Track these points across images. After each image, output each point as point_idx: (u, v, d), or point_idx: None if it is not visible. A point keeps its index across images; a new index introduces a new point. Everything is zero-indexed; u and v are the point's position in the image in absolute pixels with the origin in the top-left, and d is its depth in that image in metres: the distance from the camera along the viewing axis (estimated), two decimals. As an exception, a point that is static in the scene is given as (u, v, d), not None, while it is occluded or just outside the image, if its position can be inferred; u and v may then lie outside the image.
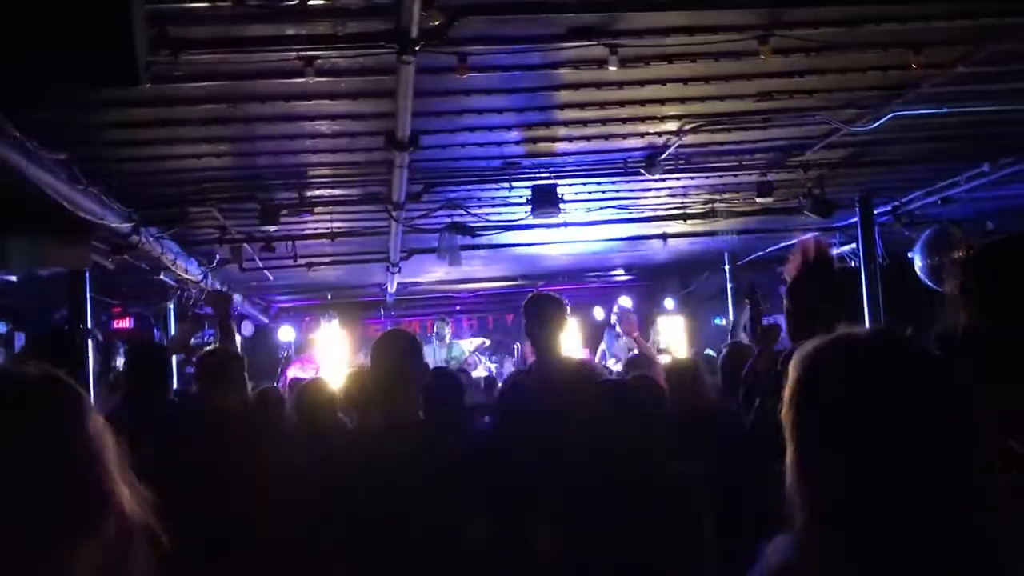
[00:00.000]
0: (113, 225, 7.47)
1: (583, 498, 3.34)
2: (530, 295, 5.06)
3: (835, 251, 10.89)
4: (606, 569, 3.22)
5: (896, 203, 10.00)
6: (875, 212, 10.07)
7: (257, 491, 3.85)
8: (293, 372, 13.09)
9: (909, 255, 9.96)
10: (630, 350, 9.32)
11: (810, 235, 6.66)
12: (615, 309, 13.54)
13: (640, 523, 3.23)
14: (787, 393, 1.51)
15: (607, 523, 3.24)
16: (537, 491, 3.50)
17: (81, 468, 1.32)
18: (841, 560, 1.36)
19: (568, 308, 4.86)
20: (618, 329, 12.66)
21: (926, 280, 9.64)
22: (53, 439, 1.31)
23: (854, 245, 10.48)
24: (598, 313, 15.45)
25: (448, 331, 15.18)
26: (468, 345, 16.10)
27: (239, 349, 6.07)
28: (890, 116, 6.67)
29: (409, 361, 3.70)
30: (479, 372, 14.55)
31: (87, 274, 9.05)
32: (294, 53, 4.90)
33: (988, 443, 1.41)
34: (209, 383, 4.66)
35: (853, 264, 10.53)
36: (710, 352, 11.38)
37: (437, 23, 4.64)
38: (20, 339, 12.94)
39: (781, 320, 5.58)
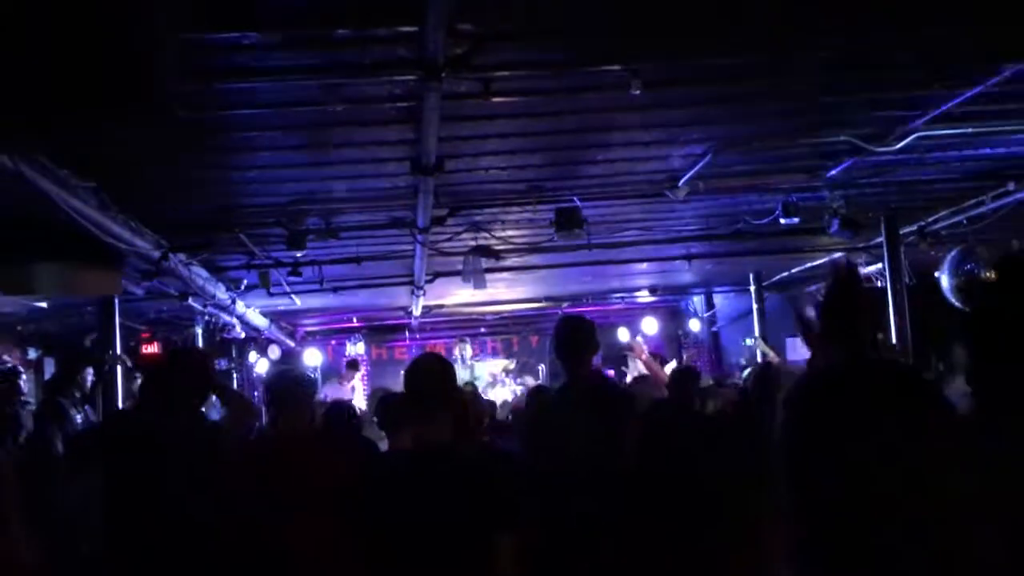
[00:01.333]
0: (143, 251, 7.55)
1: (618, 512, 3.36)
2: (559, 317, 5.13)
3: (862, 271, 10.84)
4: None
5: (922, 223, 9.95)
6: (901, 232, 10.03)
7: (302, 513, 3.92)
8: (330, 391, 13.14)
9: (936, 275, 9.91)
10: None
11: (841, 255, 6.65)
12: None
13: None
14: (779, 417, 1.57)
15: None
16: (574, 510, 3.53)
17: None
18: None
19: (596, 330, 4.92)
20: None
21: (952, 300, 9.59)
22: None
23: (880, 265, 10.43)
24: (622, 334, 15.46)
25: (468, 352, 15.22)
26: (494, 367, 16.13)
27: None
28: (915, 136, 6.65)
29: (442, 384, 3.73)
30: (503, 393, 14.58)
31: (116, 300, 9.16)
32: (320, 81, 4.96)
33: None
34: (278, 407, 4.67)
35: (879, 284, 10.48)
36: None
37: (462, 50, 4.68)
38: (50, 364, 13.09)
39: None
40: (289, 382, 4.80)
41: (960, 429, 1.54)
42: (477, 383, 13.84)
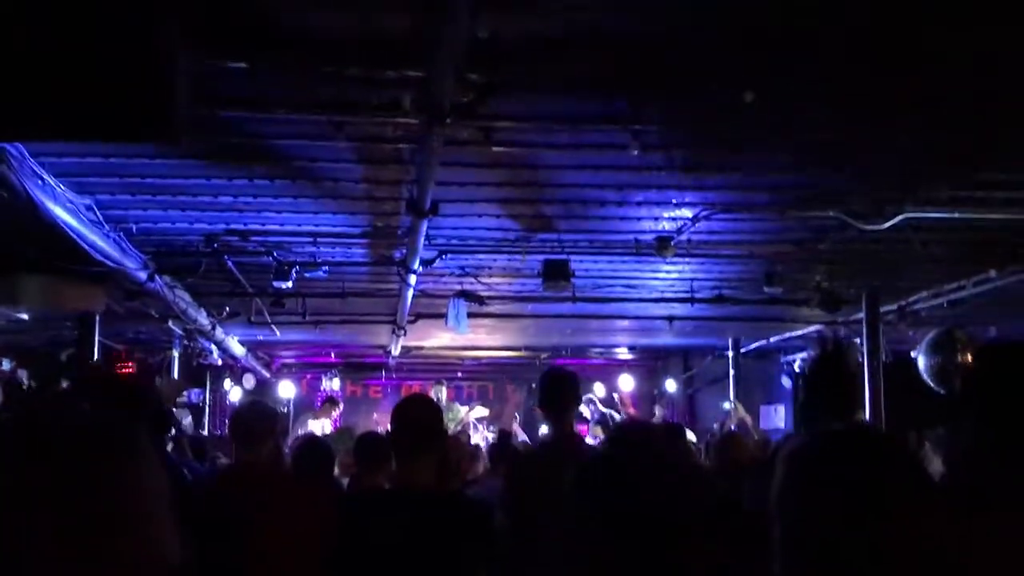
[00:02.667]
0: (130, 272, 7.55)
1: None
2: (545, 369, 5.15)
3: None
4: None
5: (903, 302, 10.07)
6: (881, 310, 10.14)
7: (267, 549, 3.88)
8: (312, 426, 13.05)
9: (913, 354, 10.00)
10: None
11: (825, 328, 6.69)
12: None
13: None
14: (773, 487, 1.58)
15: None
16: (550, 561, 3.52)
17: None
18: None
19: (580, 383, 4.96)
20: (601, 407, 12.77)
21: (928, 380, 9.68)
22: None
23: (858, 341, 10.53)
24: (599, 390, 15.48)
25: (444, 394, 15.19)
26: (464, 411, 16.06)
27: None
28: (902, 217, 6.77)
29: (430, 426, 3.73)
30: (475, 440, 14.51)
31: (98, 317, 9.13)
32: (326, 117, 5.02)
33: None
34: (241, 438, 4.57)
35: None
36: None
37: (468, 98, 4.74)
38: (23, 377, 12.97)
39: (780, 407, 5.63)
40: (252, 414, 4.68)
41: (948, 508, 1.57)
42: (451, 425, 13.79)
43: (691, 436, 11.43)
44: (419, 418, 3.71)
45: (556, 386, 4.86)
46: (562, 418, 4.76)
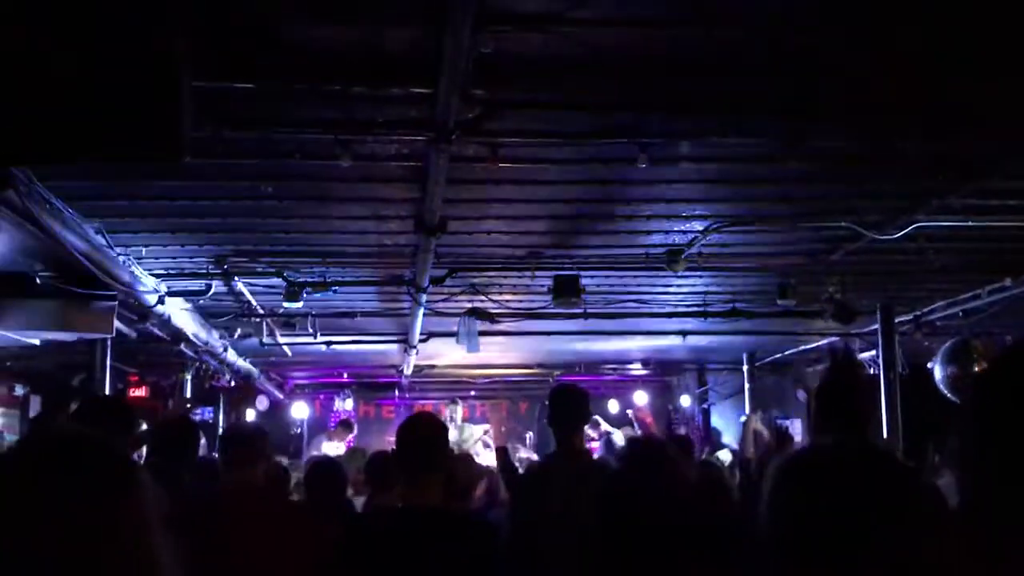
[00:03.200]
0: (140, 295, 7.54)
1: None
2: (554, 386, 5.13)
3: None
4: None
5: (918, 312, 10.00)
6: (896, 320, 10.07)
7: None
8: (326, 448, 13.01)
9: (929, 365, 9.92)
10: None
11: (839, 340, 6.61)
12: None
13: None
14: (762, 501, 1.54)
15: None
16: None
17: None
18: None
19: (589, 399, 4.93)
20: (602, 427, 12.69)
21: (945, 391, 9.59)
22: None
23: (874, 352, 10.44)
24: (613, 407, 15.42)
25: (460, 413, 15.12)
26: (478, 430, 16.00)
27: None
28: (915, 226, 6.71)
29: (434, 445, 3.70)
30: (489, 458, 14.44)
31: (109, 342, 9.12)
32: (331, 135, 5.00)
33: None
34: (232, 458, 4.55)
35: (872, 371, 10.48)
36: (726, 457, 11.24)
37: (473, 115, 4.72)
38: (35, 402, 12.99)
39: (796, 422, 5.56)
40: (237, 437, 4.68)
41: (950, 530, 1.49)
42: (465, 445, 13.72)
43: (725, 455, 11.36)
44: (423, 437, 3.68)
45: (564, 403, 4.85)
46: (571, 435, 4.73)
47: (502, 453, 7.42)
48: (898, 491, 1.48)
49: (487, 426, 16.87)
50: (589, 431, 13.55)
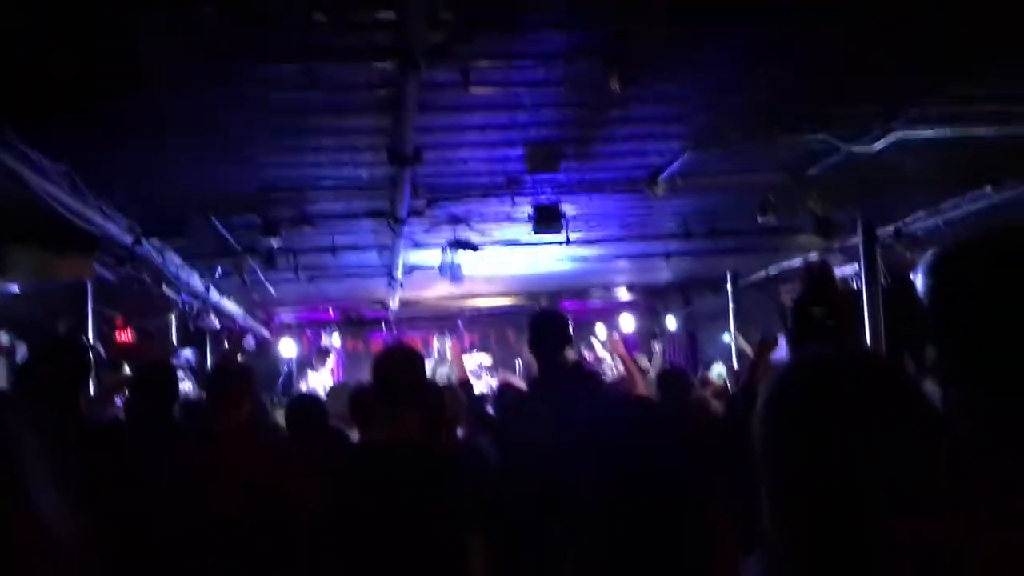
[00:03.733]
0: (116, 237, 7.47)
1: (603, 506, 3.34)
2: (533, 312, 5.12)
3: (837, 271, 10.86)
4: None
5: (899, 224, 9.99)
6: (877, 233, 10.06)
7: (249, 503, 3.85)
8: (313, 379, 13.06)
9: (911, 276, 9.93)
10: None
11: (814, 257, 6.61)
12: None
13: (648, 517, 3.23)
14: (756, 413, 1.47)
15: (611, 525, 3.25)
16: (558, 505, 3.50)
17: None
18: None
19: (569, 324, 4.92)
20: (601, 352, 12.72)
21: (927, 302, 9.61)
22: None
23: (856, 266, 10.46)
24: (599, 330, 15.47)
25: (448, 346, 15.15)
26: (470, 362, 16.05)
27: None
28: (894, 137, 6.66)
29: (409, 376, 3.68)
30: (479, 387, 14.52)
31: (89, 286, 9.06)
32: (299, 66, 4.91)
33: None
34: (218, 398, 4.53)
35: (855, 285, 10.51)
36: (720, 370, 11.29)
37: (442, 39, 4.64)
38: (22, 350, 12.94)
39: (781, 339, 5.57)
40: (223, 377, 4.67)
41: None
42: (453, 377, 13.76)
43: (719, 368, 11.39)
44: (397, 374, 3.65)
45: (544, 328, 4.84)
46: (552, 358, 4.73)
47: (504, 387, 7.42)
48: (908, 405, 1.41)
49: (485, 357, 16.95)
50: (586, 355, 13.66)
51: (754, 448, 1.45)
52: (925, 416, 1.39)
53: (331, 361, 13.76)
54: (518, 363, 16.79)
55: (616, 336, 8.41)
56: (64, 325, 11.28)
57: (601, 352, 13.58)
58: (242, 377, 4.65)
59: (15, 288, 9.45)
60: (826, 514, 1.32)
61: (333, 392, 8.93)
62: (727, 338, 13.54)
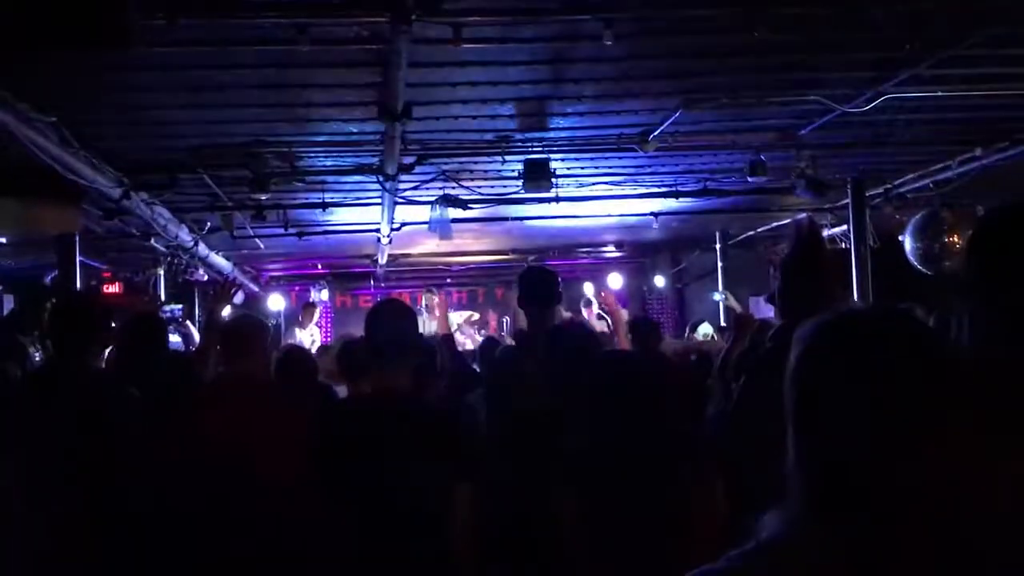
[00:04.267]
0: (104, 189, 7.44)
1: (595, 459, 3.37)
2: (524, 268, 5.13)
3: (826, 232, 10.89)
4: (619, 523, 3.25)
5: (888, 185, 10.01)
6: (867, 194, 10.08)
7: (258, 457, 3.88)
8: (300, 336, 13.08)
9: (900, 238, 9.97)
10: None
11: (803, 215, 6.61)
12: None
13: (643, 469, 3.26)
14: (788, 370, 1.46)
15: (617, 478, 3.28)
16: (552, 457, 3.53)
17: None
18: (828, 540, 1.34)
19: (559, 280, 4.93)
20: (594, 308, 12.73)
21: (916, 263, 9.67)
22: None
23: (845, 227, 10.49)
24: (588, 289, 15.50)
25: (436, 301, 15.15)
26: (457, 317, 16.07)
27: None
28: (885, 97, 6.66)
29: (403, 330, 3.70)
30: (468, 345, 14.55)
31: (77, 238, 9.04)
32: (288, 20, 4.86)
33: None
34: (232, 350, 4.54)
35: (844, 246, 10.54)
36: (706, 330, 11.31)
37: (433, -7, 4.61)
38: (9, 301, 12.93)
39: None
40: (243, 327, 4.67)
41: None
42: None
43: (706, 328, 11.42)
44: (390, 327, 3.68)
45: (533, 284, 4.86)
46: (542, 313, 4.76)
47: (490, 341, 7.42)
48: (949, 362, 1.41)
49: (473, 313, 16.97)
50: (583, 310, 13.68)
51: (787, 399, 1.45)
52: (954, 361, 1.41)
53: (317, 315, 13.76)
54: (506, 320, 16.85)
55: (606, 291, 8.42)
56: (51, 277, 11.26)
57: (597, 308, 13.57)
58: (258, 331, 4.66)
59: (1, 240, 9.42)
60: (877, 458, 1.33)
61: (323, 352, 8.95)
62: (716, 297, 13.59)
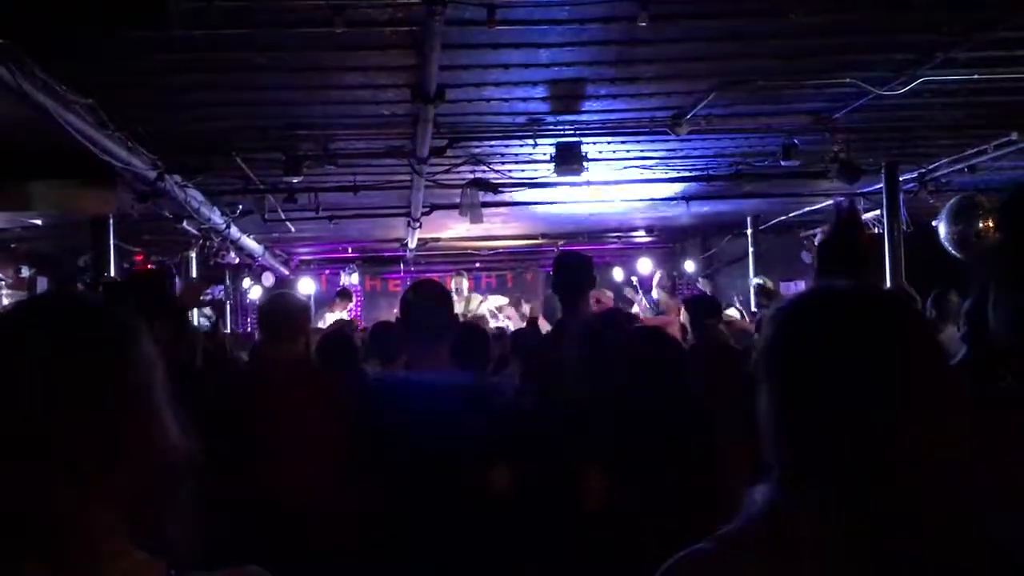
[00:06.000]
0: (138, 171, 7.50)
1: (624, 439, 3.38)
2: (557, 253, 5.13)
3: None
4: (645, 502, 3.26)
5: (922, 170, 9.92)
6: (901, 179, 9.99)
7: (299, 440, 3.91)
8: (330, 319, 13.15)
9: (934, 223, 9.89)
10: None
11: (842, 199, 6.55)
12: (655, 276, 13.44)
13: (670, 451, 3.26)
14: (771, 343, 1.47)
15: (644, 458, 3.28)
16: (581, 438, 3.53)
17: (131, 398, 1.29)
18: (820, 513, 1.34)
19: (593, 266, 4.93)
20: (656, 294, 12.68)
21: (950, 248, 9.58)
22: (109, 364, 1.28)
23: (879, 212, 10.40)
24: (617, 274, 15.45)
25: (466, 285, 15.18)
26: (492, 303, 16.06)
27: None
28: (919, 81, 6.60)
29: (441, 311, 3.71)
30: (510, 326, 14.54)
31: (111, 221, 9.11)
32: (324, 2, 4.88)
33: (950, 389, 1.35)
34: (273, 331, 4.55)
35: (877, 231, 10.46)
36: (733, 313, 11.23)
37: (468, -26, 4.61)
38: (42, 283, 13.07)
39: (802, 284, 5.58)
40: (284, 306, 4.65)
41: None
42: (471, 315, 13.79)
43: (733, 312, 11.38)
44: (427, 307, 3.69)
45: (568, 270, 4.85)
46: (576, 300, 4.75)
47: (532, 324, 7.39)
48: (918, 328, 1.42)
49: (503, 299, 16.96)
50: (630, 295, 13.65)
51: (758, 370, 1.46)
52: (931, 344, 1.40)
53: (350, 304, 13.80)
54: (536, 305, 16.81)
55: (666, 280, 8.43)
56: (84, 259, 11.34)
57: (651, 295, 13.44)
58: (299, 312, 4.67)
59: (37, 221, 9.51)
60: (834, 433, 1.33)
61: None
62: (749, 282, 13.51)
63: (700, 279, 15.30)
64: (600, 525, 3.39)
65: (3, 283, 12.34)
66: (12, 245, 12.48)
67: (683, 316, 6.37)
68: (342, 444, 3.59)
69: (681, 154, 9.47)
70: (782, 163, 8.56)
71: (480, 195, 9.91)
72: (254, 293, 15.89)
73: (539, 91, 7.02)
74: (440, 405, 3.45)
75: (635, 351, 3.67)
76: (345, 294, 14.21)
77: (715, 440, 3.41)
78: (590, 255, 5.10)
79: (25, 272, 13.12)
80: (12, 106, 5.42)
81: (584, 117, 7.84)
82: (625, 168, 9.91)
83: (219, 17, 5.05)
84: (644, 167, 9.96)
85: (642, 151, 9.24)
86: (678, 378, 3.53)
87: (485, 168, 9.37)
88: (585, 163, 8.45)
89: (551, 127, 8.08)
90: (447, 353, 3.71)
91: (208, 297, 13.08)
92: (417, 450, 3.39)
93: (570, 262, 5.00)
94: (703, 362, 4.90)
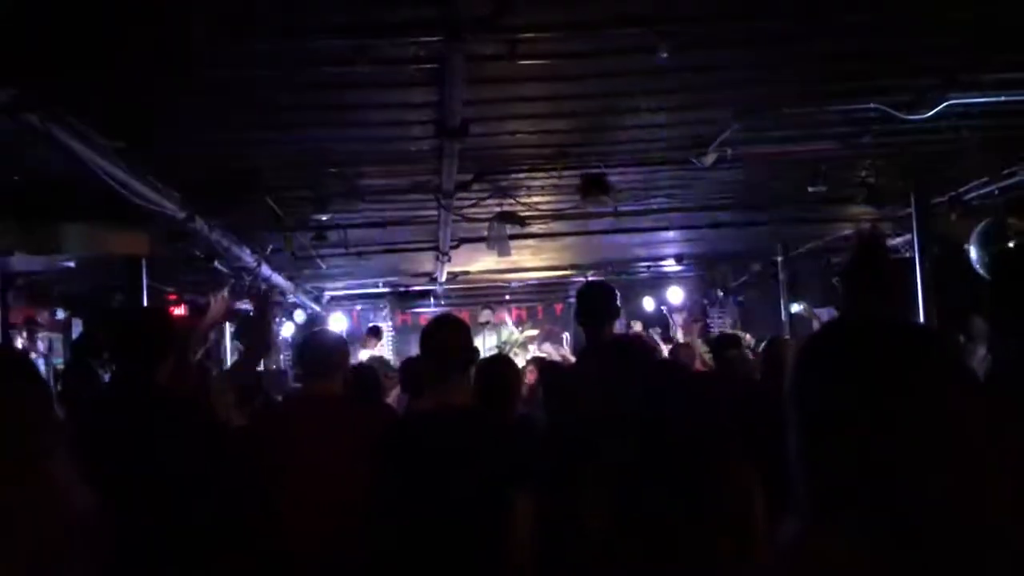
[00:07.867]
0: (168, 212, 7.58)
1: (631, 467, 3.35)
2: (582, 284, 5.15)
3: (890, 242, 10.72)
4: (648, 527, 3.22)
5: (952, 193, 9.83)
6: (930, 202, 9.90)
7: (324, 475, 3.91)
8: (362, 356, 13.20)
9: (965, 246, 9.79)
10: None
11: (865, 225, 6.53)
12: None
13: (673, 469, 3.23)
14: (792, 379, 1.48)
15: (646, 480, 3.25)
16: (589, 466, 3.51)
17: None
18: (841, 546, 1.33)
19: (617, 295, 4.93)
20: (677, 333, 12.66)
21: (981, 272, 9.48)
22: None
23: (908, 236, 10.31)
24: (648, 304, 15.41)
25: (492, 318, 15.21)
26: (522, 337, 16.04)
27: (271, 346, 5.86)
28: (947, 103, 6.56)
29: (455, 343, 3.73)
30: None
31: (144, 261, 9.20)
32: (346, 41, 4.93)
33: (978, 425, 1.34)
34: (313, 369, 4.55)
35: (907, 255, 10.37)
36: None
37: (488, 10, 4.64)
38: (77, 325, 13.19)
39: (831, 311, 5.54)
40: (324, 345, 4.67)
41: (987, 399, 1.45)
42: (507, 348, 13.81)
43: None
44: (444, 341, 3.70)
45: (591, 300, 4.87)
46: (599, 330, 4.76)
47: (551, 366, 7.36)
48: (944, 367, 1.41)
49: (534, 331, 16.93)
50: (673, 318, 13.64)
51: (786, 400, 1.47)
52: (958, 377, 1.40)
53: (380, 342, 13.85)
54: (566, 337, 16.78)
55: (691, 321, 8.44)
56: (118, 300, 11.46)
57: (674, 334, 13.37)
58: (337, 349, 4.67)
59: (71, 264, 9.62)
60: (857, 466, 1.33)
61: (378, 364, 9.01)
62: (795, 309, 13.44)
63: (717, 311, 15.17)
64: (608, 549, 3.37)
65: (42, 326, 12.48)
66: (47, 288, 12.63)
67: (700, 346, 6.36)
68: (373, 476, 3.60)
69: (708, 182, 9.45)
70: (810, 189, 8.52)
71: (507, 228, 9.93)
72: (286, 330, 15.98)
73: (563, 123, 7.05)
74: (458, 441, 3.45)
75: (647, 375, 3.65)
76: (376, 331, 14.27)
77: (727, 463, 3.38)
78: (612, 285, 5.11)
79: (60, 315, 13.26)
80: (42, 151, 5.51)
81: (609, 147, 7.85)
82: (651, 197, 9.91)
83: (246, 59, 5.12)
84: (670, 195, 9.95)
85: (668, 180, 9.23)
86: (689, 401, 3.50)
87: (512, 201, 9.39)
88: (611, 193, 8.46)
89: (577, 158, 8.09)
90: (468, 387, 3.72)
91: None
92: (429, 486, 3.39)
93: (592, 292, 5.05)
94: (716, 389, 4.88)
